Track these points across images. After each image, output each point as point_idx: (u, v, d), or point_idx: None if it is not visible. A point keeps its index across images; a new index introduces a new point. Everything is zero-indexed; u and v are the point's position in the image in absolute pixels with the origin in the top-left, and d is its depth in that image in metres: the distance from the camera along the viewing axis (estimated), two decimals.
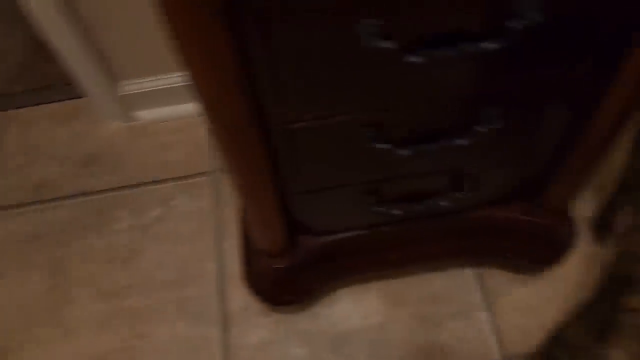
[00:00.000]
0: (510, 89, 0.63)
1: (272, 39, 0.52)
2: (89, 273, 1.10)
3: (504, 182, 0.87)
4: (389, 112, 0.64)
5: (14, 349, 1.03)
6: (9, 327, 1.06)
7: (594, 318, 0.75)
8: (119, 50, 1.11)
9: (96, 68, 1.12)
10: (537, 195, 0.91)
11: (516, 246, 0.97)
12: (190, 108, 1.26)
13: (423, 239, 0.96)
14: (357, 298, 1.05)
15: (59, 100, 1.32)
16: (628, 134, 0.89)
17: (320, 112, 0.62)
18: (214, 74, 0.52)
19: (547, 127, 0.72)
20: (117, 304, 1.06)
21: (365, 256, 0.96)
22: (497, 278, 1.05)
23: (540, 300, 1.02)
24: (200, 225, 1.14)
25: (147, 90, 1.20)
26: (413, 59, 0.53)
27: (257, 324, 1.03)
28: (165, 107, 1.25)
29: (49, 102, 1.32)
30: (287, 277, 0.93)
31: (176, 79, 1.19)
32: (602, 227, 1.01)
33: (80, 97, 1.29)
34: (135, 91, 1.21)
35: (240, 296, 1.06)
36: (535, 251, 0.97)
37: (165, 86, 1.20)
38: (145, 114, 1.26)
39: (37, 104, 1.33)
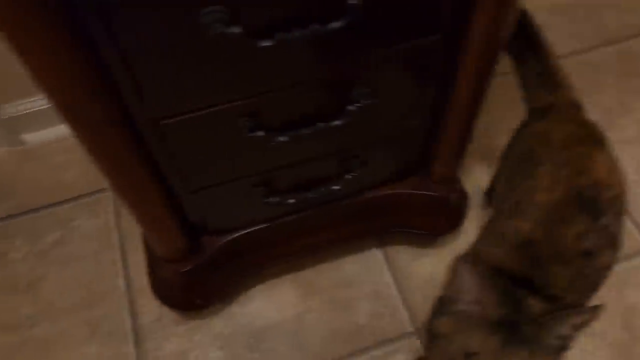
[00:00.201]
0: (369, 65, 0.66)
1: (118, 36, 0.52)
2: None
3: (390, 159, 0.90)
4: (257, 100, 0.65)
5: None
6: None
7: None
8: None
9: None
10: (426, 169, 0.95)
11: (415, 220, 1.01)
12: None
13: (325, 225, 0.98)
14: (271, 293, 1.06)
15: None
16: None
17: (188, 106, 0.62)
18: (62, 79, 0.51)
19: (414, 100, 0.76)
20: (23, 335, 1.01)
21: (270, 249, 0.97)
22: (403, 254, 1.09)
23: (443, 268, 1.07)
24: (103, 243, 1.11)
25: (30, 111, 1.16)
26: (265, 43, 0.55)
27: (172, 333, 1.02)
28: (52, 128, 1.21)
29: None
30: (193, 280, 0.92)
31: None
32: (491, 194, 1.07)
33: None
34: (19, 113, 1.16)
35: (152, 308, 1.04)
36: (433, 222, 1.02)
37: (48, 105, 1.16)
38: (33, 137, 1.21)
39: None
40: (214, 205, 0.84)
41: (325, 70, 0.64)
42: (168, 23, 0.52)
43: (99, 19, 0.50)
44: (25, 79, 1.10)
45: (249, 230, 0.93)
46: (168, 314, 1.03)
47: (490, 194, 1.08)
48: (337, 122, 0.72)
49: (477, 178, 1.16)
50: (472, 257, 0.75)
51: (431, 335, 0.68)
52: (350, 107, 0.71)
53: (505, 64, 0.87)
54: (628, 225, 1.11)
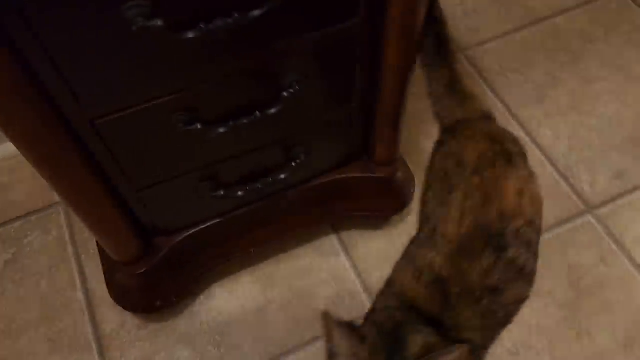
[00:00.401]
0: (295, 51, 0.69)
1: (41, 36, 0.53)
2: None
3: (332, 145, 0.93)
4: (190, 93, 0.67)
5: None
6: None
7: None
8: None
9: None
10: (368, 153, 0.98)
11: (363, 203, 1.04)
12: None
13: (277, 215, 1.00)
14: (232, 288, 1.07)
15: None
16: None
17: (121, 104, 0.63)
18: None
19: (345, 84, 0.79)
20: None
21: (225, 244, 0.98)
22: (357, 237, 1.12)
23: (396, 247, 1.10)
24: (58, 257, 1.10)
25: None
26: (188, 35, 0.57)
27: (136, 338, 1.02)
28: None
29: None
30: (150, 282, 0.93)
31: None
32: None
33: None
34: None
35: (114, 316, 1.04)
36: (381, 204, 1.05)
37: None
38: None
39: None
40: (163, 204, 0.85)
41: (251, 59, 0.67)
42: (90, 19, 0.53)
43: (19, 19, 0.51)
44: None
45: (201, 227, 0.94)
46: (130, 320, 1.03)
47: None
48: (273, 110, 0.75)
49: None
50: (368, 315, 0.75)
51: None
52: (284, 94, 0.73)
53: None
54: (567, 190, 1.17)
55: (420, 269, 0.71)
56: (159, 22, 0.54)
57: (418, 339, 0.65)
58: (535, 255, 0.73)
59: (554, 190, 1.17)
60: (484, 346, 0.74)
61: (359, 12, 0.68)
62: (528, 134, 1.25)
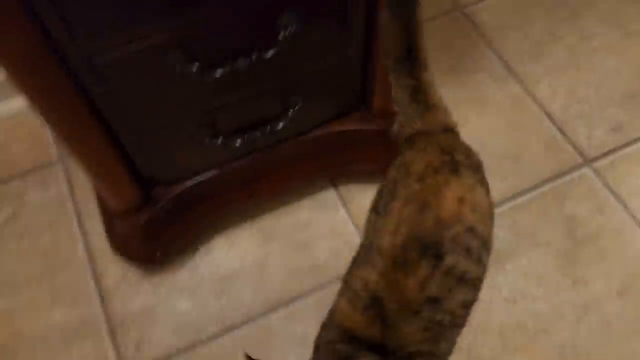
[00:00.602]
0: None
1: None
2: None
3: (330, 94, 0.93)
4: (186, 30, 0.66)
5: None
6: None
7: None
8: None
9: None
10: (366, 104, 0.98)
11: (361, 155, 1.04)
12: (15, 103, 1.20)
13: (275, 168, 1.00)
14: (232, 241, 1.08)
15: None
16: None
17: (117, 39, 0.63)
18: None
19: (343, 29, 0.79)
20: None
21: (223, 196, 0.99)
22: (355, 191, 1.13)
23: None
24: (58, 213, 1.11)
25: None
26: None
27: (137, 291, 1.03)
28: None
29: None
30: (150, 232, 0.94)
31: None
32: None
33: None
34: None
35: (115, 269, 1.05)
36: (379, 156, 1.05)
37: None
38: None
39: None
40: (162, 152, 0.85)
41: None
42: None
43: None
44: None
45: (200, 178, 0.94)
46: (131, 273, 1.04)
47: None
48: (270, 53, 0.74)
49: None
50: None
51: None
52: (281, 36, 0.73)
53: None
54: (564, 143, 1.18)
55: (356, 292, 0.67)
56: None
57: None
58: (479, 261, 0.70)
59: (551, 145, 1.18)
60: (440, 355, 0.70)
61: None
62: (526, 89, 1.25)
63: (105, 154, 0.77)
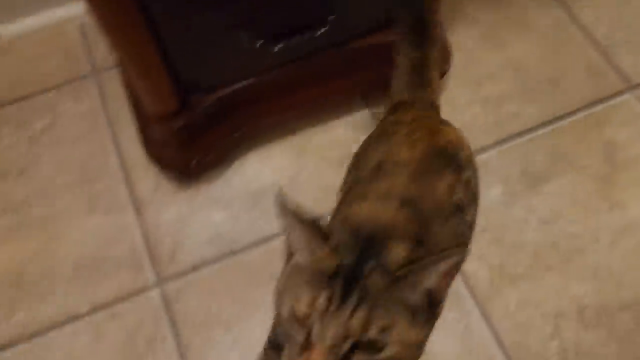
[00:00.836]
0: None
1: None
2: None
3: (371, 3, 0.90)
4: None
5: None
6: None
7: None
8: None
9: None
10: None
11: None
12: (50, 15, 1.19)
13: (312, 79, 0.99)
14: (265, 157, 1.08)
15: None
16: None
17: None
18: None
19: None
20: (21, 216, 1.02)
21: (260, 107, 0.98)
22: None
23: None
24: (92, 125, 1.11)
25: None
26: None
27: (171, 201, 1.04)
28: (22, 20, 1.18)
29: None
30: (186, 139, 0.93)
31: None
32: None
33: None
34: None
35: (149, 179, 1.05)
36: None
37: None
38: (5, 29, 1.19)
39: None
40: (202, 54, 0.84)
41: None
42: None
43: None
44: None
45: (237, 85, 0.93)
46: (165, 184, 1.05)
47: None
48: None
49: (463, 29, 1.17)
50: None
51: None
52: None
53: None
54: (606, 69, 1.14)
55: (381, 196, 0.66)
56: None
57: (400, 247, 0.57)
58: (475, 195, 0.74)
59: (594, 70, 1.14)
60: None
61: None
62: (570, 14, 1.20)
63: (150, 53, 0.77)
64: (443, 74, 1.07)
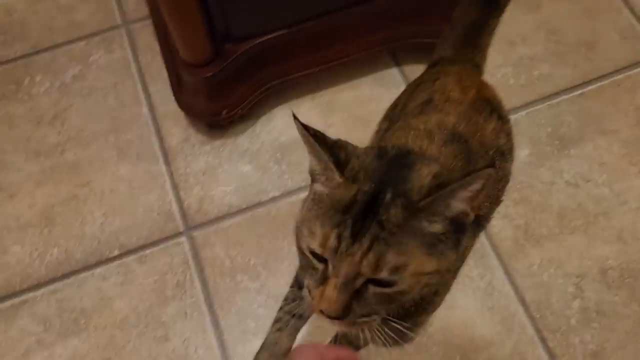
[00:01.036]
0: None
1: None
2: (16, 138, 1.07)
3: None
4: None
5: None
6: None
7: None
8: None
9: None
10: None
11: (433, 26, 1.01)
12: None
13: (344, 33, 0.99)
14: (293, 111, 1.08)
15: None
16: None
17: None
18: None
19: None
20: (53, 161, 1.05)
21: (290, 58, 0.98)
22: (418, 70, 1.10)
23: None
24: (123, 75, 1.12)
25: None
26: None
27: (200, 152, 1.05)
28: None
29: None
30: (217, 87, 0.94)
31: None
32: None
33: None
34: None
35: (178, 131, 1.07)
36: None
37: None
38: None
39: None
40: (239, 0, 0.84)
41: None
42: None
43: None
44: None
45: (269, 36, 0.93)
46: (194, 136, 1.06)
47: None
48: None
49: None
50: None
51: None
52: None
53: None
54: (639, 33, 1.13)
55: (429, 131, 0.65)
56: None
57: (427, 170, 0.52)
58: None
59: (628, 34, 1.13)
60: (486, 217, 0.72)
61: None
62: None
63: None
64: None
